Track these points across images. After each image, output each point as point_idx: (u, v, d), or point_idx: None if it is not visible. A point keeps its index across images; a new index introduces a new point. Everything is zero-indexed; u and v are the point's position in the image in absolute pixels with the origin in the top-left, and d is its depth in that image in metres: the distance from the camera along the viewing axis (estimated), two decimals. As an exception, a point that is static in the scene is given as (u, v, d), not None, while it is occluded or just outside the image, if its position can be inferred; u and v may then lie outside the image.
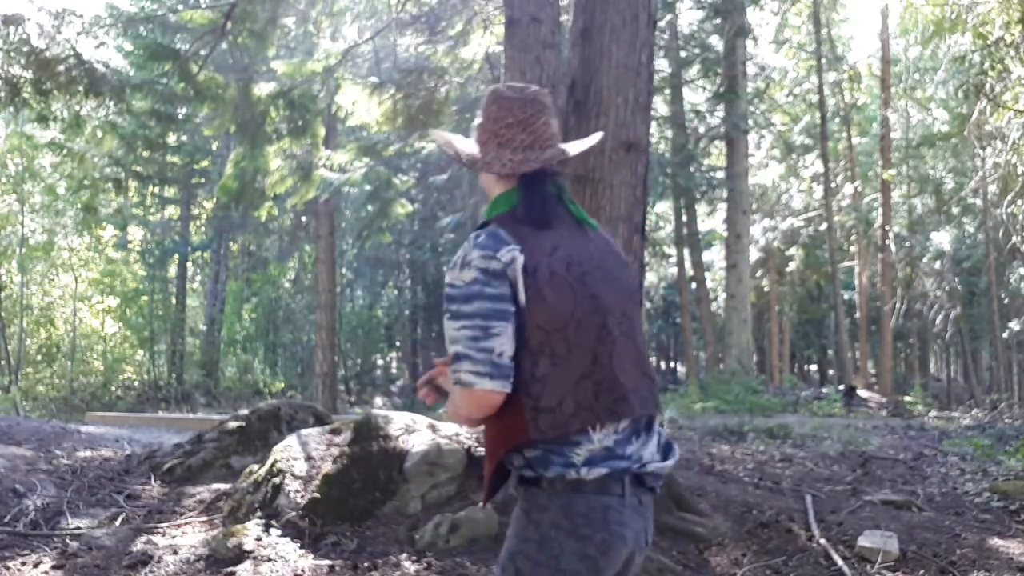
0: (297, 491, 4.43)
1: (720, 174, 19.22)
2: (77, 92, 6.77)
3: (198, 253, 24.01)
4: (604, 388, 1.55)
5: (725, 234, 19.40)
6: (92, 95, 6.87)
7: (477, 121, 1.75)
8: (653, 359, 37.76)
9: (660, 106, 18.82)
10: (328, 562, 3.79)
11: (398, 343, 28.68)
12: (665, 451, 1.68)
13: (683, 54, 17.37)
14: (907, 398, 16.92)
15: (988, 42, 10.23)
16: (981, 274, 20.72)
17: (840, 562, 3.89)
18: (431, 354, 26.75)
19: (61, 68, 6.58)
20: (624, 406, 1.56)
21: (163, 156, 19.40)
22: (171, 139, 19.29)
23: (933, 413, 14.67)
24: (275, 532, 4.12)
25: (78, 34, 6.90)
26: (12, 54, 6.57)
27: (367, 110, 8.89)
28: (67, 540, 4.19)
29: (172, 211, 23.33)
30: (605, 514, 1.53)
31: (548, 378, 1.54)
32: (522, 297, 1.53)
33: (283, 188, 10.42)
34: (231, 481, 5.29)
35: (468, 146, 1.74)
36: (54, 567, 3.78)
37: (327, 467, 4.56)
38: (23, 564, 3.81)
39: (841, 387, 16.39)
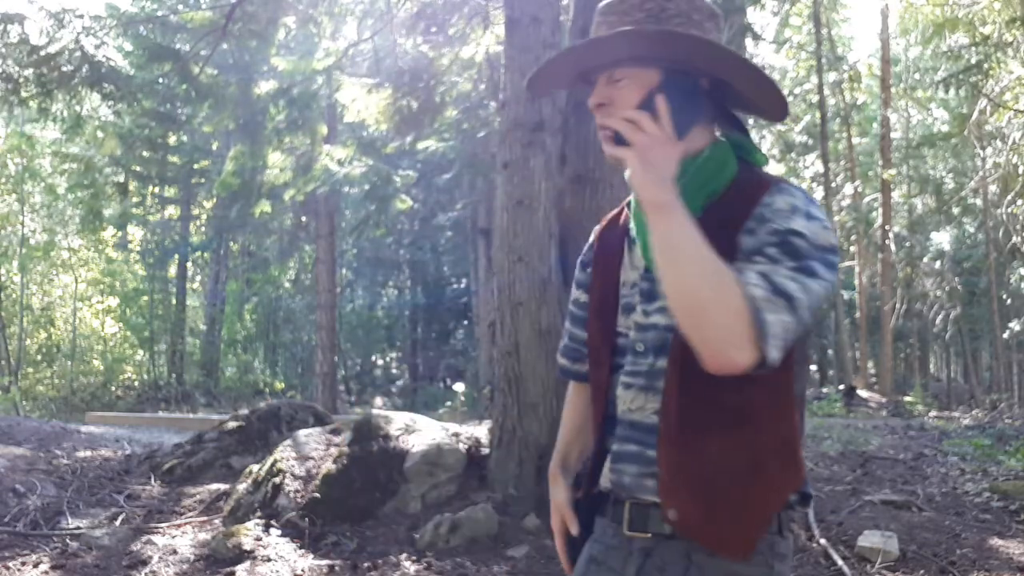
0: (297, 491, 4.43)
1: (720, 174, 19.17)
2: (79, 87, 6.77)
3: (198, 253, 24.00)
4: None
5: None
6: (95, 89, 6.87)
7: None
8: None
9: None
10: (328, 562, 3.79)
11: (398, 343, 28.67)
12: None
13: (683, 54, 17.37)
14: (907, 398, 16.92)
15: (986, 40, 10.23)
16: (981, 274, 20.72)
17: (840, 562, 3.89)
18: (431, 354, 26.77)
19: (63, 63, 6.58)
20: None
21: (163, 156, 19.45)
22: (171, 139, 19.34)
23: (933, 413, 14.66)
24: (275, 532, 4.12)
25: (78, 34, 6.90)
26: (12, 53, 6.57)
27: (365, 106, 8.90)
28: (67, 540, 4.19)
29: (172, 211, 23.32)
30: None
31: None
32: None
33: (282, 181, 10.46)
34: (231, 481, 5.29)
35: None
36: (54, 567, 3.78)
37: (327, 467, 4.56)
38: (23, 564, 3.81)
39: (841, 387, 16.39)
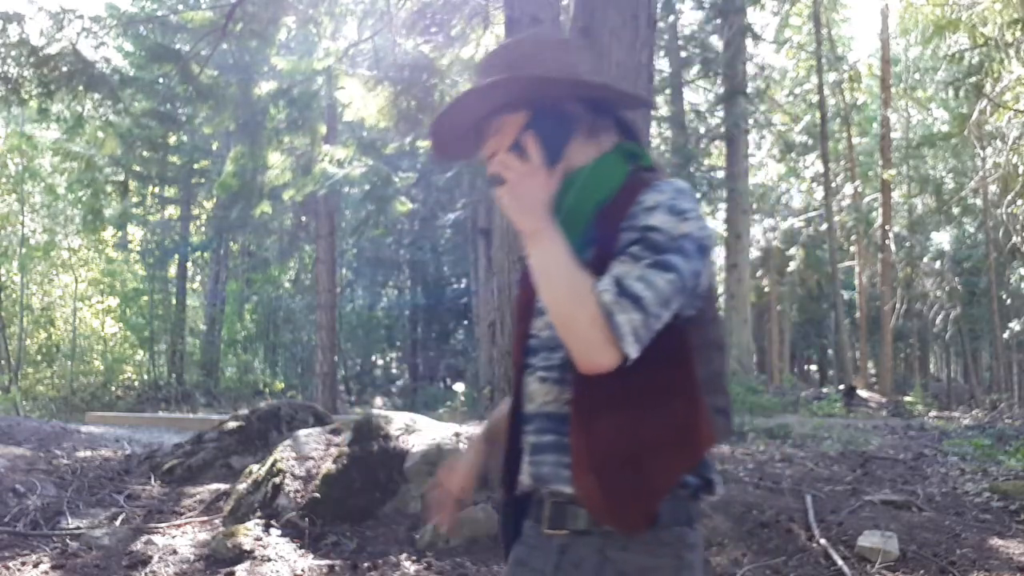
0: (297, 491, 4.44)
1: (720, 174, 19.22)
2: (77, 89, 6.78)
3: (198, 253, 24.00)
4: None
5: (725, 234, 19.39)
6: (92, 92, 6.88)
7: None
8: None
9: (660, 106, 18.82)
10: (328, 562, 3.79)
11: (398, 343, 28.68)
12: None
13: (683, 54, 17.37)
14: (907, 398, 16.93)
15: (985, 40, 10.23)
16: (981, 274, 20.71)
17: (840, 562, 3.89)
18: (431, 354, 26.77)
19: (61, 64, 6.59)
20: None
21: (163, 156, 19.44)
22: (171, 139, 19.33)
23: (933, 413, 14.67)
24: (275, 532, 4.12)
25: (78, 34, 6.91)
26: (12, 53, 6.57)
27: (365, 104, 8.90)
28: (67, 540, 4.19)
29: (172, 211, 23.33)
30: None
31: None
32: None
33: (282, 181, 10.46)
34: (231, 481, 5.29)
35: None
36: (54, 567, 3.78)
37: (327, 467, 4.56)
38: (23, 564, 3.81)
39: (841, 387, 16.39)
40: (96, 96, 6.99)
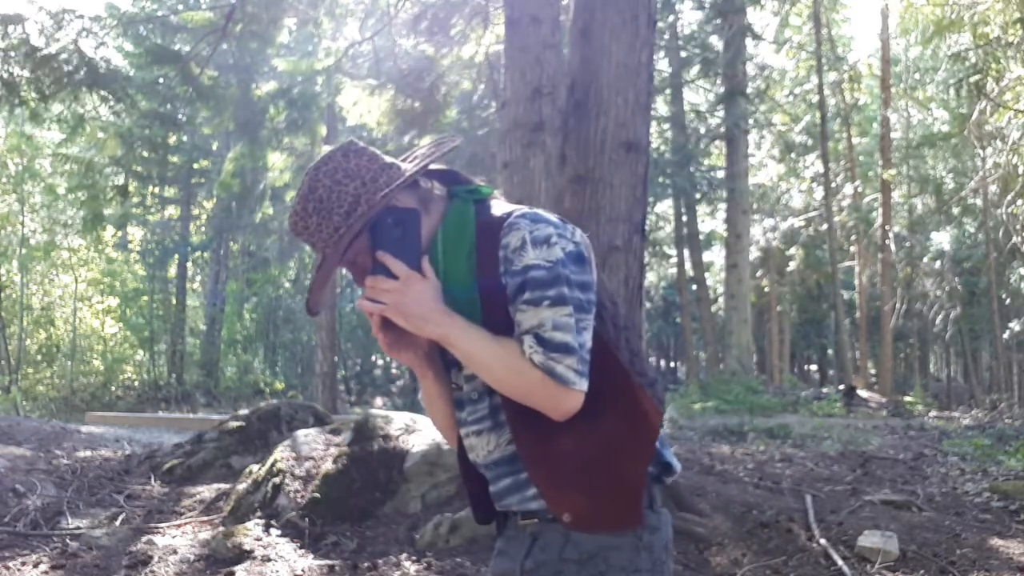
0: (297, 491, 4.44)
1: (720, 174, 19.23)
2: (80, 89, 6.77)
3: (198, 253, 24.01)
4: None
5: (725, 234, 19.41)
6: (97, 89, 6.87)
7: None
8: (653, 359, 37.79)
9: (660, 106, 18.82)
10: (328, 562, 3.79)
11: (398, 343, 28.63)
12: None
13: (683, 54, 17.38)
14: (907, 398, 16.93)
15: (987, 40, 10.23)
16: (981, 274, 20.71)
17: (840, 562, 3.89)
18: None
19: (62, 64, 6.58)
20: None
21: (163, 156, 19.42)
22: (171, 139, 19.32)
23: (933, 413, 14.67)
24: (275, 532, 4.12)
25: (78, 33, 6.90)
26: (12, 53, 6.57)
27: (367, 110, 8.91)
28: (67, 540, 4.19)
29: (172, 211, 23.34)
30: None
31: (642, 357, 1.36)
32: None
33: (282, 183, 10.46)
34: (231, 481, 5.29)
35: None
36: (54, 567, 3.78)
37: (327, 467, 4.56)
38: (23, 564, 3.81)
39: (841, 387, 16.39)
40: (101, 93, 6.97)
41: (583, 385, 1.22)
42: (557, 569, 1.28)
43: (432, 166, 1.36)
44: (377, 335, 1.34)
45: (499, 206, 1.34)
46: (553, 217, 1.30)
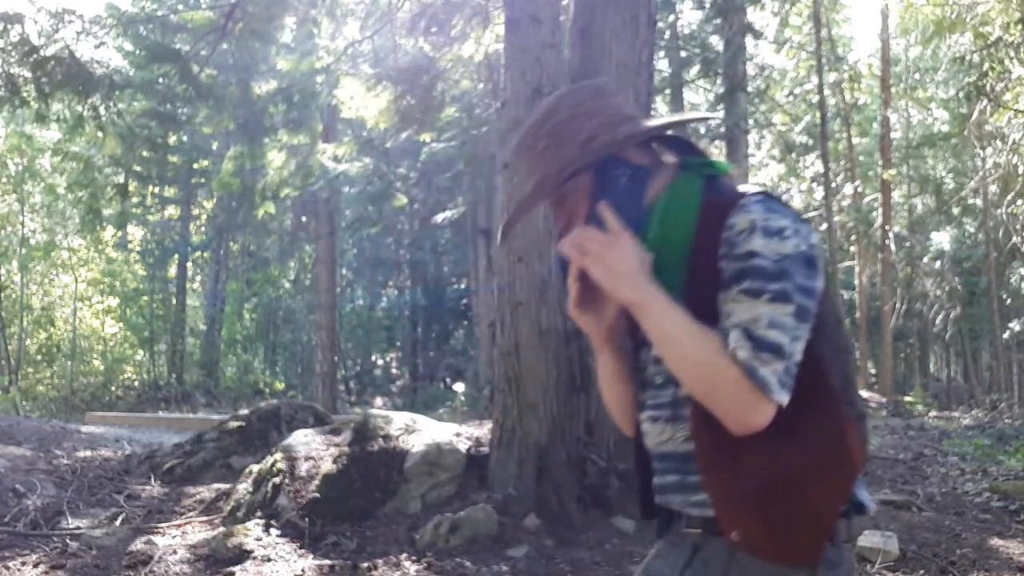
0: (297, 491, 4.43)
1: (720, 174, 19.16)
2: (76, 91, 6.77)
3: (198, 253, 24.01)
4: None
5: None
6: (87, 95, 6.88)
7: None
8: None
9: (660, 106, 18.82)
10: (328, 562, 3.79)
11: (398, 343, 28.68)
12: None
13: (683, 54, 17.38)
14: (907, 398, 16.91)
15: (988, 42, 10.23)
16: (981, 274, 20.71)
17: (840, 562, 3.88)
18: (430, 354, 26.76)
19: (56, 67, 6.58)
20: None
21: (163, 156, 19.43)
22: (171, 138, 19.33)
23: (933, 413, 14.66)
24: (275, 532, 4.12)
25: (78, 34, 6.90)
26: (12, 53, 6.57)
27: (365, 105, 8.92)
28: (67, 540, 4.19)
29: (172, 211, 23.33)
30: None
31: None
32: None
33: (280, 179, 10.50)
34: (231, 481, 5.29)
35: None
36: (54, 567, 3.78)
37: (327, 467, 4.56)
38: (23, 564, 3.81)
39: (841, 387, 16.35)
40: (96, 96, 6.98)
41: (782, 398, 1.07)
42: None
43: (669, 132, 1.29)
44: (571, 286, 1.25)
45: (733, 185, 1.23)
46: (790, 210, 1.17)
